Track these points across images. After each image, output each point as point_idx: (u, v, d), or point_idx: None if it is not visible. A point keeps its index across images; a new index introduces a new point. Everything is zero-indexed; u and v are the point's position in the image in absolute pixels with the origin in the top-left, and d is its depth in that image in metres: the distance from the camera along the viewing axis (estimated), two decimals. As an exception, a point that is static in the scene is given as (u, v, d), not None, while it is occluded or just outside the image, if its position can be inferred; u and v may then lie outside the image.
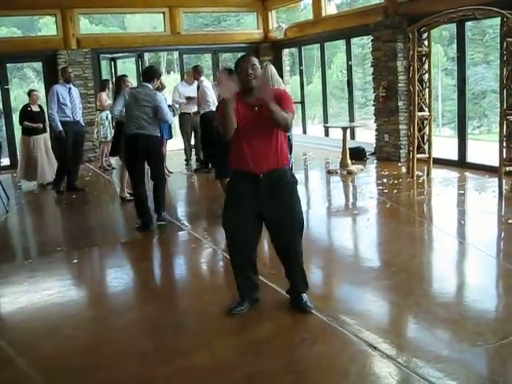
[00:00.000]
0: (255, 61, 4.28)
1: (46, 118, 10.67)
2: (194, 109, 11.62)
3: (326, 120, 14.52)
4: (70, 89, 10.04)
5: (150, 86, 7.39)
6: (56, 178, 10.33)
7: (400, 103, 11.11)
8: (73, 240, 7.35)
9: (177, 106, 11.47)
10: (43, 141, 10.87)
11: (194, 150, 12.46)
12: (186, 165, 12.17)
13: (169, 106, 8.71)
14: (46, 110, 11.02)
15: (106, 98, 12.00)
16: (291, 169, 4.89)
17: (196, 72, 11.37)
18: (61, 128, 9.79)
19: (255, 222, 4.45)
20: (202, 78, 11.30)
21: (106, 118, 11.98)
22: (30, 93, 10.77)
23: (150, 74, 7.51)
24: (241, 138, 4.28)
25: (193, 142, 12.39)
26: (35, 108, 10.66)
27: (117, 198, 9.33)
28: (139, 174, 7.50)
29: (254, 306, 4.66)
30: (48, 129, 10.98)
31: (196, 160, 12.34)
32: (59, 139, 9.98)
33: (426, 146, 9.95)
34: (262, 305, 4.68)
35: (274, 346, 4.07)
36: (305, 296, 4.62)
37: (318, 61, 16.32)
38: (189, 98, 11.71)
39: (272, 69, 7.11)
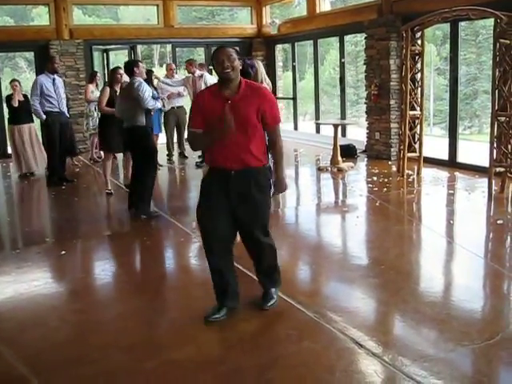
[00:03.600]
0: (231, 51, 4.04)
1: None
2: (177, 103, 11.65)
3: (317, 117, 14.53)
4: (54, 79, 9.88)
5: (135, 78, 7.52)
6: (49, 170, 10.24)
7: (392, 102, 11.13)
8: (61, 231, 7.33)
9: (165, 99, 11.41)
10: (28, 130, 10.80)
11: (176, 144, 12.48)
12: (169, 160, 12.06)
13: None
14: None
15: (92, 89, 11.93)
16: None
17: (191, 64, 11.36)
18: (44, 117, 9.76)
19: (228, 220, 4.22)
20: (201, 72, 11.34)
21: (95, 109, 11.91)
22: (11, 83, 10.77)
23: (128, 67, 7.68)
24: None
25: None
26: (18, 97, 10.56)
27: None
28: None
29: (232, 313, 4.43)
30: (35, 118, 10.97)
31: (179, 155, 12.30)
32: (47, 130, 9.92)
33: (416, 145, 9.97)
34: (249, 300, 4.68)
35: (261, 342, 4.07)
36: (273, 294, 4.56)
37: (311, 57, 16.35)
38: (169, 96, 11.65)
39: (261, 67, 7.15)
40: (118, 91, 8.42)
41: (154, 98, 7.55)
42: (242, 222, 4.27)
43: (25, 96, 10.75)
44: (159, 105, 7.80)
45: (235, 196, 4.15)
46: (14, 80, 11.00)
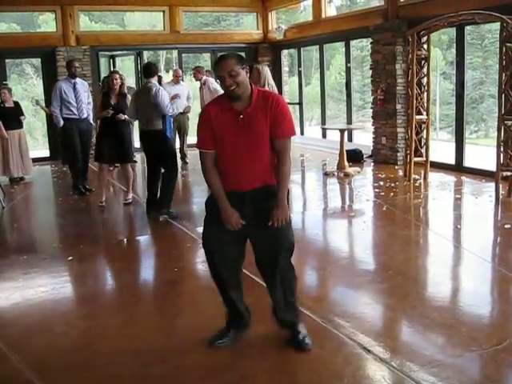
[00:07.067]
0: (232, 65, 3.56)
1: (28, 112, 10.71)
2: (180, 109, 11.57)
3: (323, 122, 14.55)
4: (75, 84, 9.57)
5: (151, 80, 7.58)
6: (73, 179, 9.89)
7: (398, 106, 11.12)
8: (68, 237, 7.34)
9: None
10: (17, 136, 10.87)
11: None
12: None
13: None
14: (21, 105, 11.13)
15: None
16: None
17: (199, 72, 11.38)
18: (61, 124, 9.53)
19: (239, 246, 3.87)
20: (205, 77, 11.35)
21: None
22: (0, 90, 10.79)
23: (150, 69, 7.70)
24: (223, 150, 3.70)
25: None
26: (8, 104, 10.66)
27: (113, 196, 9.33)
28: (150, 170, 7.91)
29: (242, 335, 4.16)
30: (24, 124, 11.15)
31: (180, 160, 12.18)
32: (63, 137, 9.79)
33: (423, 150, 9.96)
34: (256, 306, 4.66)
35: (268, 348, 4.05)
36: (302, 330, 4.06)
37: (317, 62, 16.33)
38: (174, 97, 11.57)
39: (267, 71, 7.18)
40: (130, 95, 8.34)
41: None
42: (267, 245, 3.83)
43: (15, 103, 10.85)
44: (178, 110, 7.78)
45: (251, 217, 3.74)
46: (4, 88, 11.00)
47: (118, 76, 8.39)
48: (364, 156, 12.04)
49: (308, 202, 9.04)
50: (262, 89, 4.05)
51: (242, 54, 15.11)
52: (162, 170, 7.86)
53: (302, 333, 4.04)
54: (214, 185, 3.77)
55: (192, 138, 12.31)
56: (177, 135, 12.08)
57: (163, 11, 14.69)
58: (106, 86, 8.65)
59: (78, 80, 9.74)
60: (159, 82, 10.76)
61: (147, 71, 7.75)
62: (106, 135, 8.35)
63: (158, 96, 7.46)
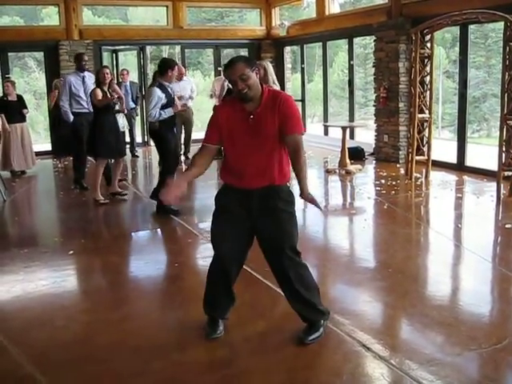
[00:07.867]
0: (242, 69, 3.65)
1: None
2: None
3: (325, 119, 14.52)
4: (83, 78, 9.43)
5: (157, 82, 7.51)
6: (75, 173, 9.80)
7: (400, 104, 11.11)
8: (69, 231, 7.34)
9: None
10: (20, 129, 10.96)
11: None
12: None
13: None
14: (25, 99, 11.22)
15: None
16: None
17: None
18: (71, 120, 9.41)
19: (245, 242, 3.96)
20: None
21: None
22: (4, 82, 10.92)
23: (162, 66, 7.55)
24: (234, 149, 3.83)
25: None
26: (12, 97, 10.76)
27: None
28: None
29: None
30: (26, 118, 11.24)
31: (183, 155, 12.24)
32: (74, 131, 9.58)
33: (425, 148, 9.96)
34: (256, 302, 4.68)
35: (268, 344, 4.06)
36: (319, 326, 4.10)
37: (320, 59, 16.34)
38: (179, 98, 11.49)
39: (270, 68, 7.20)
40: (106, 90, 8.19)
41: (164, 107, 7.36)
42: (270, 242, 3.90)
43: (18, 96, 10.93)
44: (164, 115, 7.40)
45: (259, 215, 3.85)
46: (8, 81, 11.11)
47: (108, 71, 8.35)
48: (366, 154, 12.05)
49: (309, 199, 9.02)
50: (272, 88, 4.07)
51: (245, 50, 15.17)
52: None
53: (316, 328, 4.07)
54: (189, 165, 3.93)
55: (197, 134, 12.41)
56: (182, 130, 12.12)
57: (166, 6, 14.66)
58: (96, 80, 8.48)
59: (86, 73, 9.62)
60: None
61: (159, 69, 7.62)
62: (112, 130, 8.27)
63: (147, 99, 7.48)
